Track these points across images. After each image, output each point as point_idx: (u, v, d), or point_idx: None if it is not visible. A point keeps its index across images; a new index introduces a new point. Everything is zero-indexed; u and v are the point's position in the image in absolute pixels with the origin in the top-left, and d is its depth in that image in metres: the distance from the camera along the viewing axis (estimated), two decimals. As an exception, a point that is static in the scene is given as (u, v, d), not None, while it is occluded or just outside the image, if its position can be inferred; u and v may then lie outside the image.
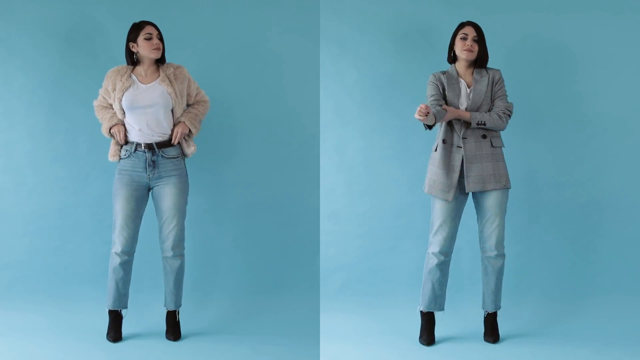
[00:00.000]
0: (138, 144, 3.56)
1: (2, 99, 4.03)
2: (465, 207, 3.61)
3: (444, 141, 3.55)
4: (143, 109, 3.54)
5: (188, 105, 3.71)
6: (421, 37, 4.04)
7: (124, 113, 3.57)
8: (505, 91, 3.60)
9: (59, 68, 4.02)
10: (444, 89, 3.56)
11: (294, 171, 4.18)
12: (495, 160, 3.55)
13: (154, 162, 3.57)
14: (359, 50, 4.07)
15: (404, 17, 4.04)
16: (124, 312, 3.66)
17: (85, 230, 4.07)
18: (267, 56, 4.12)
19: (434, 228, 3.56)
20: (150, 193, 3.65)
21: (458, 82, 3.57)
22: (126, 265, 3.59)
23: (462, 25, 3.59)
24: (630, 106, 4.04)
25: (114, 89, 3.56)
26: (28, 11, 4.00)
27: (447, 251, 3.56)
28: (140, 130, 3.55)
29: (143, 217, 3.65)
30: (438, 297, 3.60)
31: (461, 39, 3.56)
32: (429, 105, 3.39)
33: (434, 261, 3.56)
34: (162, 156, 3.58)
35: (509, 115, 3.57)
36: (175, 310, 3.70)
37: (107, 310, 3.63)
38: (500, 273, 3.61)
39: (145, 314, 3.87)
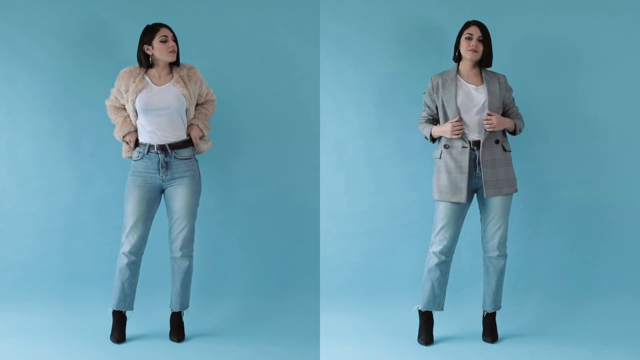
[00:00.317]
0: (151, 146, 3.55)
1: (6, 100, 4.03)
2: (464, 207, 3.62)
3: (445, 146, 3.55)
4: (157, 110, 3.52)
5: (198, 104, 3.70)
6: (421, 37, 4.02)
7: (137, 115, 3.56)
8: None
9: (62, 68, 4.02)
10: (438, 93, 3.56)
11: (293, 171, 4.18)
12: (506, 165, 3.57)
13: (167, 163, 3.55)
14: (359, 50, 4.05)
15: (403, 17, 4.01)
16: (128, 313, 3.66)
17: (89, 230, 4.07)
18: (267, 56, 4.11)
19: (437, 228, 3.56)
20: (162, 194, 3.64)
21: (455, 83, 3.56)
22: (133, 266, 3.58)
23: (467, 25, 3.57)
24: (631, 106, 4.02)
25: (127, 90, 3.53)
26: (31, 12, 3.99)
27: (448, 251, 3.56)
28: (153, 132, 3.53)
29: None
30: (437, 297, 3.60)
31: (466, 38, 3.54)
32: (421, 122, 3.62)
33: (434, 261, 3.56)
34: (175, 157, 3.57)
35: None
36: (180, 312, 3.70)
37: (111, 311, 3.63)
38: (501, 273, 3.62)
39: (149, 316, 3.86)
